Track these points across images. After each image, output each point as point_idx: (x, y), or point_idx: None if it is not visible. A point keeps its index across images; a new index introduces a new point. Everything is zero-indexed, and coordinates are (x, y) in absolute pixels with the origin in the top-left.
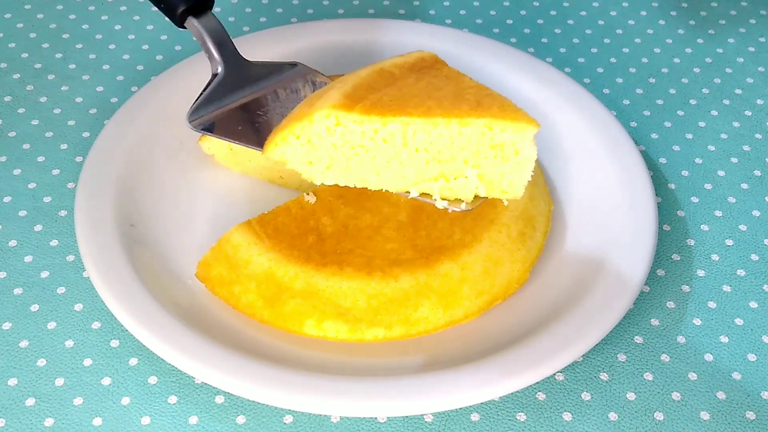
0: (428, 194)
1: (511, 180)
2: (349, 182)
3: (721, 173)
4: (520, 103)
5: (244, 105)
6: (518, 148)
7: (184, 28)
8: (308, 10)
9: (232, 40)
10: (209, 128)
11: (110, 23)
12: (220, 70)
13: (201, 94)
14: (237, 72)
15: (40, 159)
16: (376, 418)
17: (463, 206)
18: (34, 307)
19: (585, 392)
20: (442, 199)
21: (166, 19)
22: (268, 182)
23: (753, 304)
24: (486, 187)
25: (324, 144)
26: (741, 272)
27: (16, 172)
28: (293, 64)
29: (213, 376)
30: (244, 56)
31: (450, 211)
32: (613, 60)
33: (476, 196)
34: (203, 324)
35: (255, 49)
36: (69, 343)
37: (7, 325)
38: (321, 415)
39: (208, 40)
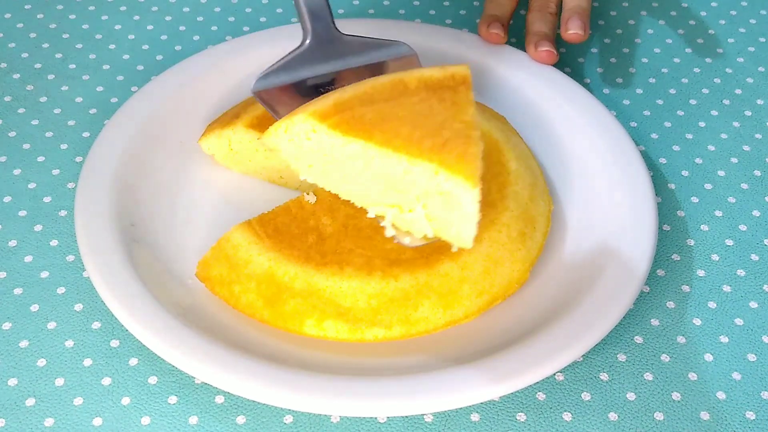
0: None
1: (458, 229)
2: (325, 185)
3: (721, 173)
4: (521, 102)
5: (315, 79)
6: (460, 202)
7: None
8: None
9: (331, 13)
10: (266, 96)
11: (110, 23)
12: (307, 41)
13: (280, 60)
14: (325, 45)
15: (40, 159)
16: (376, 418)
17: (406, 240)
18: (34, 307)
19: (585, 392)
20: (393, 227)
21: (166, 18)
22: (268, 182)
23: (753, 304)
24: (434, 228)
25: (303, 145)
26: (741, 272)
27: (16, 172)
28: (396, 44)
29: (213, 376)
30: (328, 33)
31: (395, 241)
32: (613, 60)
33: (425, 236)
34: (203, 324)
35: (255, 49)
36: (69, 343)
37: (7, 325)
38: (321, 415)
39: (304, 9)
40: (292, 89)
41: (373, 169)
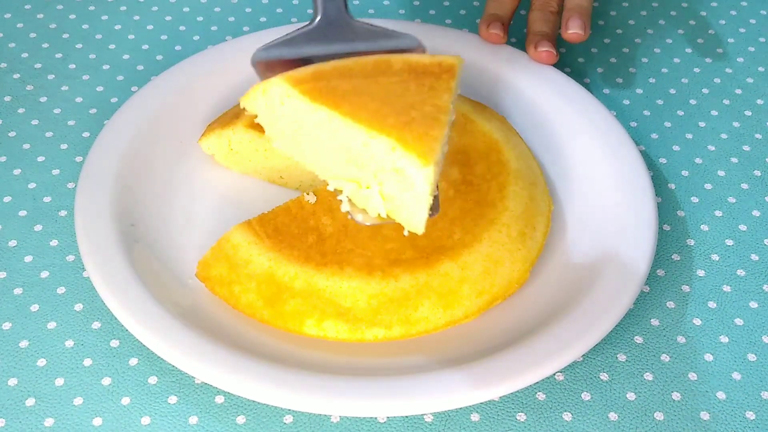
0: (340, 191)
1: (409, 211)
2: (293, 155)
3: (721, 173)
4: (520, 102)
5: (314, 58)
6: (413, 181)
7: None
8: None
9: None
10: (263, 68)
11: (110, 23)
12: (317, 20)
13: (285, 35)
14: (333, 27)
15: (40, 159)
16: (376, 418)
17: (359, 217)
18: (34, 307)
19: (585, 392)
20: (349, 203)
21: (166, 18)
22: (268, 182)
23: (753, 304)
24: (388, 209)
25: (277, 110)
26: (741, 272)
27: (16, 172)
28: (405, 36)
29: (213, 375)
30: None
31: (349, 217)
32: (613, 60)
33: (379, 216)
34: (203, 324)
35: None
36: (69, 343)
37: (7, 325)
38: (321, 415)
39: None
40: (291, 65)
41: (337, 140)
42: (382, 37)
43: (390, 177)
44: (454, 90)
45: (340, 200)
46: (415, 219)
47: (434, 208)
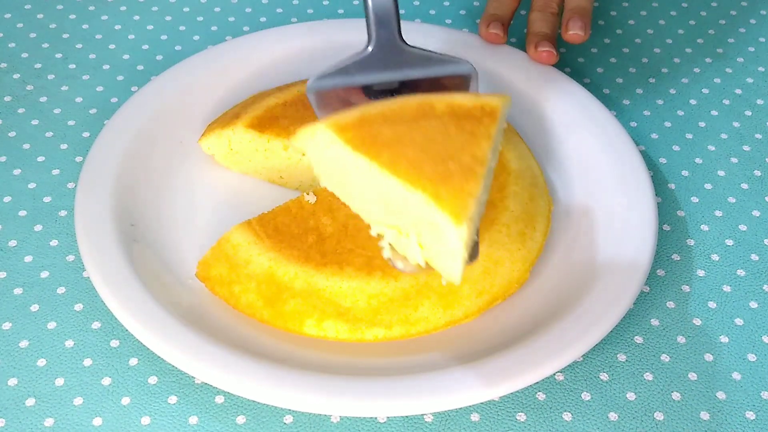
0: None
1: (445, 262)
2: (340, 196)
3: (721, 173)
4: (521, 102)
5: (367, 86)
6: (447, 237)
7: None
8: (308, 10)
9: (399, 22)
10: (316, 98)
11: (110, 23)
12: (369, 48)
13: (337, 63)
14: (386, 54)
15: (40, 159)
16: (376, 418)
17: (399, 264)
18: (34, 307)
19: (585, 392)
20: (390, 249)
21: (166, 18)
22: (268, 182)
23: (753, 304)
24: (426, 258)
25: (324, 154)
26: (741, 272)
27: (16, 172)
28: (458, 61)
29: (213, 375)
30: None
31: (390, 263)
32: (613, 60)
33: (418, 264)
34: (203, 324)
35: (255, 49)
36: (69, 343)
37: (7, 325)
38: (321, 415)
39: (371, 15)
40: (344, 93)
41: (377, 188)
42: (435, 63)
43: (427, 228)
44: (495, 136)
45: (381, 246)
46: (451, 270)
47: (472, 256)
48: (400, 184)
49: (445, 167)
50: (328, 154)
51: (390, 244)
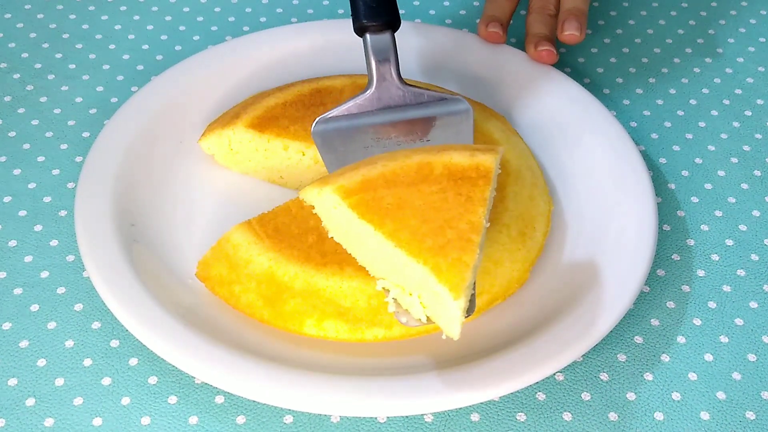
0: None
1: (445, 321)
2: (347, 249)
3: (721, 173)
4: (521, 103)
5: (367, 128)
6: (447, 304)
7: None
8: (308, 10)
9: (398, 62)
10: (320, 141)
11: (110, 23)
12: (369, 91)
13: (341, 105)
14: (385, 95)
15: (40, 159)
16: (376, 418)
17: (403, 319)
18: (34, 307)
19: (585, 392)
20: (395, 304)
21: (166, 18)
22: (268, 182)
23: (753, 304)
24: (428, 315)
25: (330, 213)
26: (741, 272)
27: (16, 172)
28: (454, 100)
29: (213, 375)
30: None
31: (395, 317)
32: (613, 60)
33: (420, 320)
34: (203, 324)
35: (255, 49)
36: (69, 343)
37: (7, 325)
38: (321, 415)
39: (371, 59)
40: (347, 133)
41: (382, 251)
42: (431, 102)
43: (428, 293)
44: (489, 199)
45: (386, 301)
46: (450, 328)
47: (469, 310)
48: (403, 254)
49: (443, 237)
50: (335, 214)
51: (395, 299)
